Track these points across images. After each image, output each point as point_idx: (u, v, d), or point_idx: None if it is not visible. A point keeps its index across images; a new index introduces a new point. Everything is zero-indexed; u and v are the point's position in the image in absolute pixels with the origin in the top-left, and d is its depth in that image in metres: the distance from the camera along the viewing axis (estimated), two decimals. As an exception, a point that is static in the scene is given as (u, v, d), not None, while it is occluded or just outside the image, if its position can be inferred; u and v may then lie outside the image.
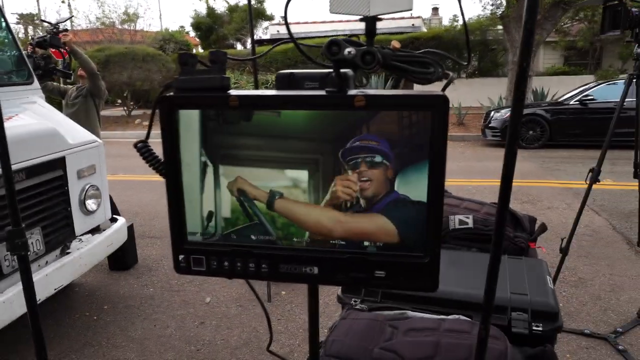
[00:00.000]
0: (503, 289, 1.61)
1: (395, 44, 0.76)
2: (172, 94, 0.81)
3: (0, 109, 1.67)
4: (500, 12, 14.29)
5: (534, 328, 1.48)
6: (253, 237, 0.87)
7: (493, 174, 7.78)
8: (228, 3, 24.99)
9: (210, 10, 25.42)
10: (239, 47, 24.17)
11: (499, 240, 0.88)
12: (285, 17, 0.77)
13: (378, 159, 0.81)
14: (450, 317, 1.50)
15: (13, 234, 1.80)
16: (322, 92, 0.78)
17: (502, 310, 1.55)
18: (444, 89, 0.76)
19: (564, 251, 3.50)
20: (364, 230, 0.84)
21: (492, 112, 11.21)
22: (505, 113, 10.90)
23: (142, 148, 0.86)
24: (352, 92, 0.78)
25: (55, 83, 5.58)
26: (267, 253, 0.87)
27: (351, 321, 1.45)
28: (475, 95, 14.74)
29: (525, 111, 10.73)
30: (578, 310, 3.54)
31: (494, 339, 1.32)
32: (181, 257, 0.88)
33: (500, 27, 14.84)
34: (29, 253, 2.93)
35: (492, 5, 15.09)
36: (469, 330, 1.37)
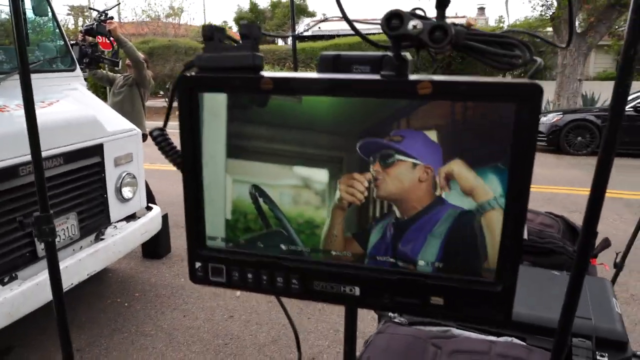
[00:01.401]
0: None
1: (471, 20, 0.61)
2: (193, 73, 0.68)
3: (32, 96, 1.62)
4: (550, 14, 13.69)
5: (599, 358, 1.30)
6: (283, 246, 0.74)
7: (537, 180, 7.43)
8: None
9: (253, 6, 25.56)
10: (280, 42, 24.25)
11: (584, 261, 0.72)
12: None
13: (400, 157, 0.67)
14: (501, 339, 1.34)
15: (41, 220, 1.76)
16: (377, 76, 0.65)
17: (560, 335, 1.38)
18: (530, 78, 0.60)
19: (619, 266, 3.24)
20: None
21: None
22: (552, 117, 10.42)
23: (159, 136, 0.75)
24: (414, 77, 0.63)
25: (104, 71, 5.66)
26: (297, 267, 0.73)
27: (389, 336, 1.32)
28: (520, 98, 14.21)
29: (574, 116, 10.22)
30: (630, 330, 3.27)
31: (553, 370, 1.16)
32: (198, 264, 0.75)
33: (549, 29, 14.21)
34: (63, 238, 2.95)
35: (543, 6, 14.49)
36: (525, 358, 1.21)
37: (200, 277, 0.76)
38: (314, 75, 0.66)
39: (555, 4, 13.32)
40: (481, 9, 33.72)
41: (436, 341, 1.29)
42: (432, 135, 0.64)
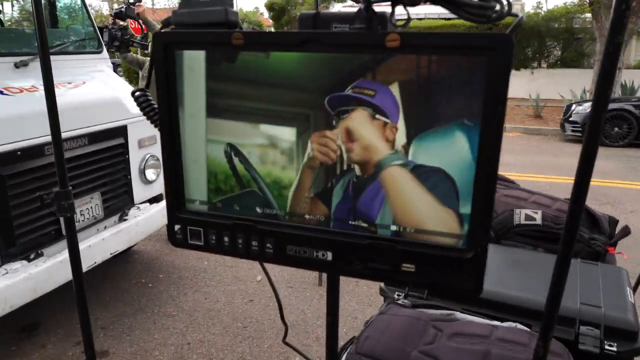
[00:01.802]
0: (572, 298, 1.38)
1: (447, -27, 0.58)
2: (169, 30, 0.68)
3: (51, 74, 1.66)
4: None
5: (607, 347, 1.25)
6: (259, 209, 0.73)
7: (570, 171, 7.17)
8: None
9: (284, -10, 25.46)
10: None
11: (571, 238, 0.69)
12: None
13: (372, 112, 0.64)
14: (504, 324, 1.30)
15: (60, 196, 1.80)
16: (345, 30, 0.63)
17: (568, 323, 1.33)
18: (510, 32, 0.57)
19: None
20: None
21: (574, 106, 10.37)
22: (589, 107, 10.05)
23: (140, 97, 0.75)
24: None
25: (134, 54, 5.75)
26: (272, 230, 0.71)
27: (390, 317, 1.30)
28: (556, 86, 13.79)
29: (612, 106, 9.78)
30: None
31: (555, 356, 1.12)
32: (177, 227, 0.75)
33: (588, 14, 13.66)
34: (87, 217, 3.03)
35: (582, -9, 13.94)
36: (526, 342, 1.17)
37: (179, 240, 0.76)
38: (287, 30, 0.65)
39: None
40: (518, -6, 32.72)
41: (437, 324, 1.27)
42: (395, 90, 0.62)
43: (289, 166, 0.69)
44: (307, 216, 0.70)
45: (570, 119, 10.18)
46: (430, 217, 0.65)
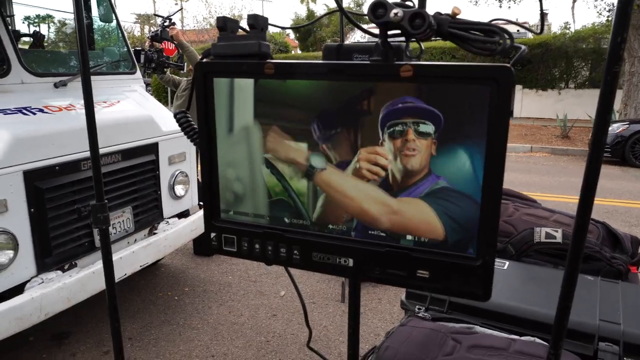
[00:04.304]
0: (591, 314, 1.40)
1: (456, 9, 0.65)
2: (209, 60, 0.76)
3: (91, 94, 1.78)
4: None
5: (626, 363, 1.27)
6: (287, 220, 0.80)
7: (599, 193, 6.87)
8: (327, 7, 25.35)
9: (310, 13, 25.95)
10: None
11: (578, 249, 0.73)
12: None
13: (427, 127, 0.70)
14: (523, 338, 1.33)
15: (96, 209, 1.90)
16: (366, 62, 0.70)
17: (587, 339, 1.35)
18: (513, 64, 0.63)
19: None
20: (408, 217, 0.72)
21: (603, 126, 10.20)
22: (617, 127, 9.88)
23: (181, 118, 0.83)
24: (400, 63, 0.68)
25: (170, 75, 5.97)
26: (299, 239, 0.79)
27: (411, 329, 1.34)
28: (584, 107, 13.59)
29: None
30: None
31: (573, 369, 1.15)
32: (213, 234, 0.83)
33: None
34: (119, 230, 3.15)
35: (609, 11, 13.78)
36: (543, 356, 1.20)
37: (215, 247, 0.84)
38: (313, 61, 0.72)
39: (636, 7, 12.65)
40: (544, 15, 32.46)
41: (457, 336, 1.31)
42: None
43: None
44: (330, 226, 0.77)
45: (598, 139, 9.99)
46: (443, 228, 0.71)
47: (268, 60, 0.73)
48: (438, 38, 0.66)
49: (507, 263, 1.74)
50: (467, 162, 0.67)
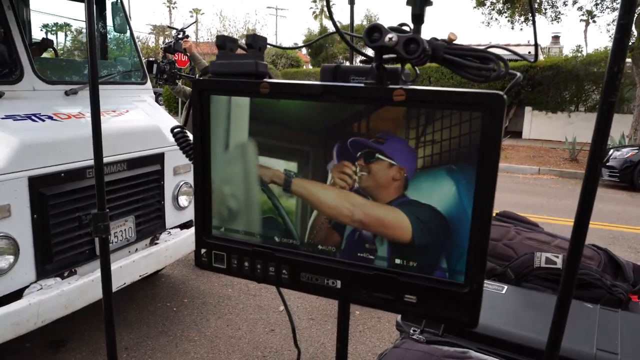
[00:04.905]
0: (588, 343, 1.38)
1: (452, 35, 0.65)
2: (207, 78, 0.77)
3: (98, 103, 1.80)
4: (630, 43, 12.97)
5: (622, 396, 1.24)
6: (277, 238, 0.80)
7: (606, 217, 7.01)
8: (341, 23, 25.60)
9: (323, 29, 26.23)
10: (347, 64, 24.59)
11: (571, 275, 0.72)
12: (328, 7, 0.70)
13: (379, 156, 0.73)
14: (518, 365, 1.31)
15: (97, 217, 1.91)
16: (360, 84, 0.70)
17: (584, 368, 1.33)
18: (507, 91, 0.64)
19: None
20: (381, 219, 0.74)
21: (612, 151, 10.17)
22: (627, 152, 9.83)
23: (178, 133, 0.84)
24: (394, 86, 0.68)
25: (182, 86, 6.03)
26: (288, 258, 0.78)
27: (404, 351, 1.32)
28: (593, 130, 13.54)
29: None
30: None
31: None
32: (203, 251, 0.83)
33: (629, 60, 13.49)
34: (120, 239, 3.16)
35: (622, 36, 13.75)
36: (537, 385, 1.18)
37: (205, 263, 0.84)
38: (307, 82, 0.73)
39: (636, 33, 12.66)
40: (555, 37, 32.61)
41: (450, 360, 1.29)
42: (411, 141, 0.70)
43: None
44: (320, 246, 0.77)
45: (608, 163, 9.96)
46: (430, 253, 0.71)
47: (264, 80, 0.74)
48: (432, 63, 0.66)
49: (506, 287, 1.73)
50: (453, 189, 0.67)
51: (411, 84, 0.71)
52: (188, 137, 0.86)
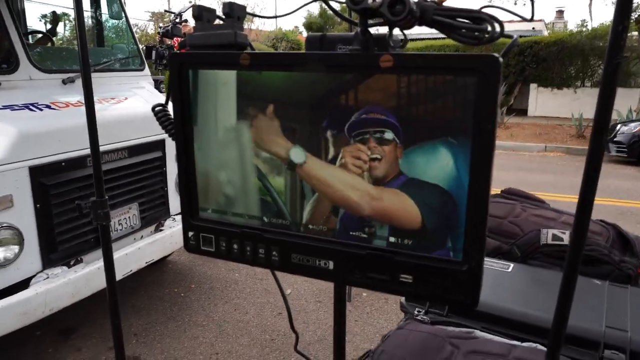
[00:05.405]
0: (597, 320, 1.35)
1: (440, -4, 0.61)
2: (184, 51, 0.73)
3: (91, 90, 1.77)
4: (635, 16, 12.69)
5: (633, 372, 1.21)
6: (266, 219, 0.76)
7: (614, 193, 6.92)
8: (341, 3, 25.27)
9: (323, 11, 25.84)
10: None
11: (577, 251, 0.69)
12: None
13: (389, 135, 0.67)
14: (524, 344, 1.28)
15: (97, 205, 1.90)
16: (344, 51, 0.66)
17: (592, 346, 1.30)
18: (504, 54, 0.59)
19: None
20: (391, 207, 0.69)
21: (619, 126, 9.99)
22: (634, 127, 9.65)
23: (159, 112, 0.80)
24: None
25: None
26: (278, 239, 0.75)
27: (407, 332, 1.30)
28: (600, 106, 13.33)
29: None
30: None
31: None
32: (191, 233, 0.80)
33: (635, 32, 13.19)
34: (125, 226, 3.15)
35: (628, 9, 13.46)
36: (544, 363, 1.15)
37: (193, 246, 0.81)
38: (289, 52, 0.69)
39: (643, 5, 12.38)
40: (560, 12, 31.97)
41: (455, 341, 1.26)
42: (403, 112, 0.66)
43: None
44: (311, 226, 0.74)
45: (615, 139, 9.81)
46: (427, 230, 0.67)
47: (244, 51, 0.70)
48: (421, 26, 0.62)
49: (512, 265, 1.69)
50: (451, 162, 0.62)
51: (400, 51, 0.66)
52: (170, 115, 0.83)
